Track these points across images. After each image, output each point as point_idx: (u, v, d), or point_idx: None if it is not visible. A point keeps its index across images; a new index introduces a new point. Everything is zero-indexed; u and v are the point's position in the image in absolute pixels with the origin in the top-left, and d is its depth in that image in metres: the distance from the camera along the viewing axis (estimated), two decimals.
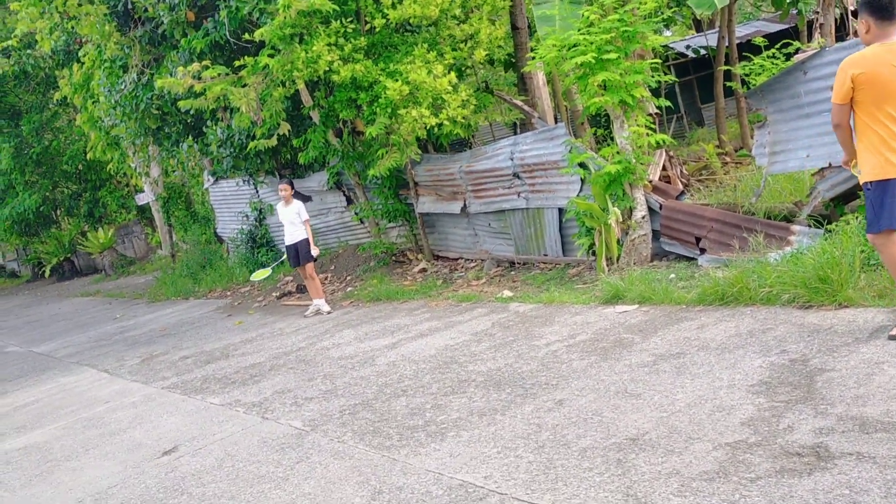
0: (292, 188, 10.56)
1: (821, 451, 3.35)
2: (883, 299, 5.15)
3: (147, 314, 14.25)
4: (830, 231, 6.39)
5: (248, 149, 11.76)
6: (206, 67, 10.37)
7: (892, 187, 4.33)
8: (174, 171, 19.66)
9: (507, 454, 4.09)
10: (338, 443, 4.88)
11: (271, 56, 10.04)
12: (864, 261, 5.68)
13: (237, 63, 10.32)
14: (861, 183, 4.53)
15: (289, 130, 10.95)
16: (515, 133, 15.69)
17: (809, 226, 7.02)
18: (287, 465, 4.68)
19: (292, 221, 10.34)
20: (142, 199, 22.14)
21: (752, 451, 3.49)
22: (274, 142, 11.04)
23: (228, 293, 14.34)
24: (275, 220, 15.07)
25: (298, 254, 10.31)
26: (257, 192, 15.36)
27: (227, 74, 10.51)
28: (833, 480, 3.09)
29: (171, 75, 11.24)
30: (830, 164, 6.89)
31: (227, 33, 10.62)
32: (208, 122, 13.19)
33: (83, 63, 15.46)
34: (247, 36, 10.31)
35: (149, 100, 13.02)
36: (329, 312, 10.10)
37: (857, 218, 6.31)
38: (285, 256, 10.69)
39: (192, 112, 12.07)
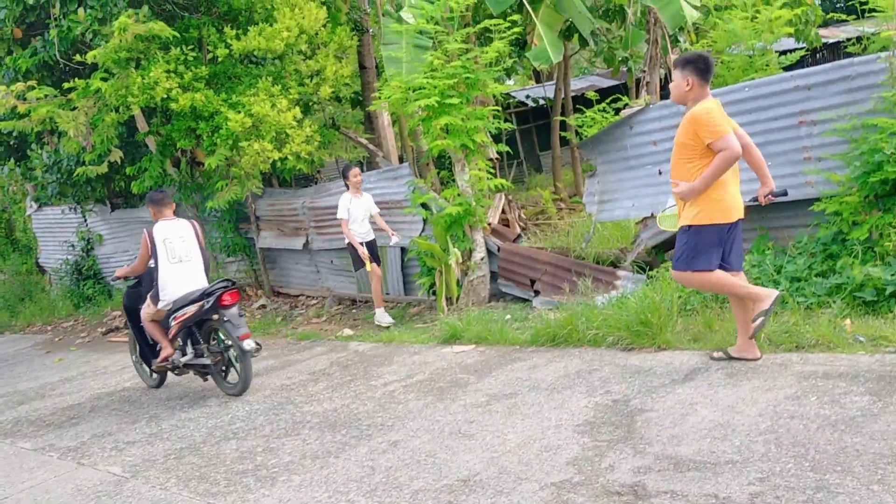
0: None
1: (639, 489, 3.50)
2: (697, 342, 5.51)
3: None
4: (651, 277, 6.79)
5: (76, 175, 11.12)
6: (32, 88, 9.75)
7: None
8: None
9: (338, 499, 4.02)
10: (160, 490, 4.63)
11: (104, 80, 9.57)
12: (681, 306, 6.06)
13: (67, 85, 9.77)
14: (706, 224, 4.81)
15: (121, 157, 10.45)
16: (362, 170, 15.72)
17: (633, 271, 7.42)
18: None
19: (365, 216, 8.90)
20: None
21: (576, 491, 3.60)
22: (105, 168, 10.48)
23: (49, 328, 13.40)
24: (103, 252, 14.32)
25: (375, 251, 8.94)
26: (85, 220, 14.52)
27: (56, 96, 9.93)
28: None
29: None
30: (653, 214, 7.33)
31: (58, 53, 10.05)
32: (33, 146, 12.38)
33: None
34: (79, 57, 9.80)
35: None
36: (389, 326, 8.57)
37: None
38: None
39: (14, 134, 11.29)
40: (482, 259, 8.34)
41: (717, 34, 8.65)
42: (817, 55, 20.81)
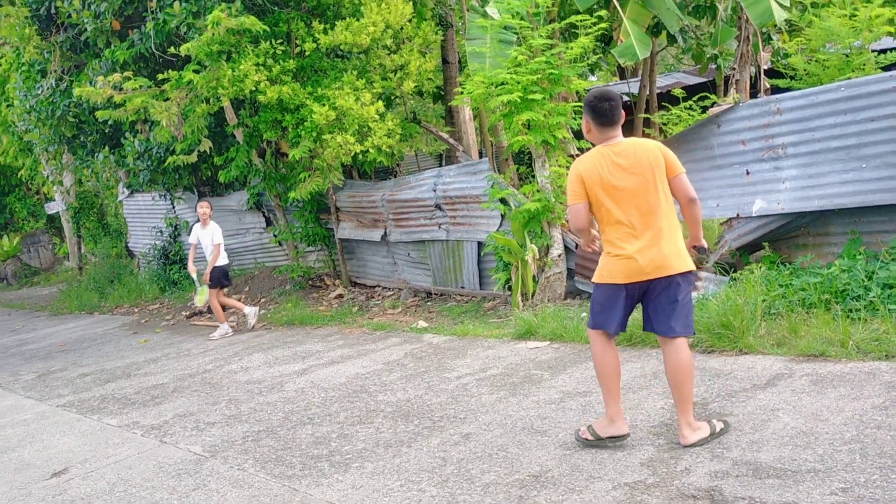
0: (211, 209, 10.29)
1: (715, 494, 3.42)
2: (781, 347, 5.34)
3: (48, 327, 13.69)
4: (735, 279, 6.62)
5: (166, 163, 11.51)
6: (128, 78, 10.12)
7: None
8: (88, 182, 19.07)
9: (410, 487, 4.05)
10: (238, 470, 4.75)
11: (196, 72, 9.88)
12: (765, 310, 5.89)
13: (161, 76, 10.11)
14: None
15: (210, 147, 10.76)
16: (441, 164, 15.80)
17: (716, 273, 7.25)
18: (182, 491, 4.53)
19: (208, 245, 10.01)
20: (52, 207, 21.38)
21: (650, 492, 3.54)
22: (194, 158, 10.83)
23: (136, 310, 13.90)
24: (190, 238, 14.75)
25: (215, 276, 9.98)
26: (174, 207, 15.01)
27: (150, 87, 10.29)
28: None
29: (91, 84, 10.93)
30: (738, 215, 7.15)
31: (153, 45, 10.41)
32: (127, 134, 12.86)
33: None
34: (172, 50, 10.13)
35: (66, 107, 12.63)
36: (226, 335, 9.90)
37: (760, 268, 6.56)
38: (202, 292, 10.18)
39: (110, 122, 11.75)
40: (559, 256, 8.27)
41: (813, 31, 8.39)
42: None
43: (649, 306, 4.15)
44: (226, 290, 10.43)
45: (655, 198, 4.03)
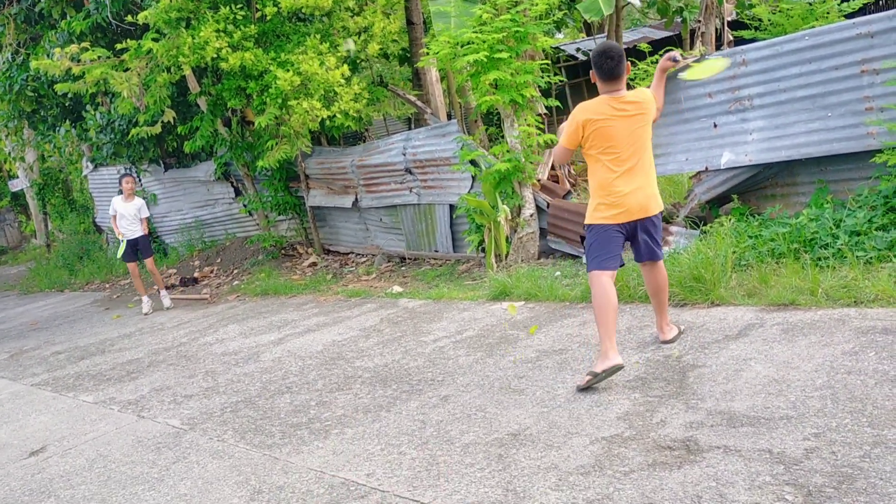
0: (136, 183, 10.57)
1: (691, 444, 3.48)
2: (752, 298, 5.41)
3: (18, 307, 13.52)
4: (705, 232, 6.67)
5: (130, 135, 11.31)
6: (86, 49, 9.89)
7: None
8: (51, 157, 18.72)
9: (390, 451, 4.08)
10: (217, 441, 4.75)
11: (156, 40, 9.67)
12: (735, 261, 5.95)
13: (119, 46, 9.89)
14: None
15: (174, 118, 10.58)
16: (410, 127, 15.69)
17: (686, 227, 7.30)
18: (163, 465, 4.52)
19: (133, 217, 10.25)
20: (15, 185, 21.00)
21: (627, 445, 3.59)
22: (158, 129, 10.65)
23: (107, 285, 13.76)
24: (158, 211, 14.60)
25: (139, 249, 10.35)
26: (140, 180, 14.78)
27: (109, 58, 10.07)
28: (701, 473, 3.21)
29: (48, 56, 10.68)
30: (707, 168, 7.18)
31: (110, 15, 10.17)
32: (88, 107, 12.60)
33: None
34: (130, 18, 9.89)
35: (24, 81, 12.36)
36: (148, 312, 10.22)
37: (730, 220, 6.62)
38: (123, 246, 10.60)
39: (70, 95, 11.50)
40: (531, 215, 8.28)
41: None
42: (880, 2, 19.98)
43: (634, 242, 4.67)
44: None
45: (645, 146, 4.52)
